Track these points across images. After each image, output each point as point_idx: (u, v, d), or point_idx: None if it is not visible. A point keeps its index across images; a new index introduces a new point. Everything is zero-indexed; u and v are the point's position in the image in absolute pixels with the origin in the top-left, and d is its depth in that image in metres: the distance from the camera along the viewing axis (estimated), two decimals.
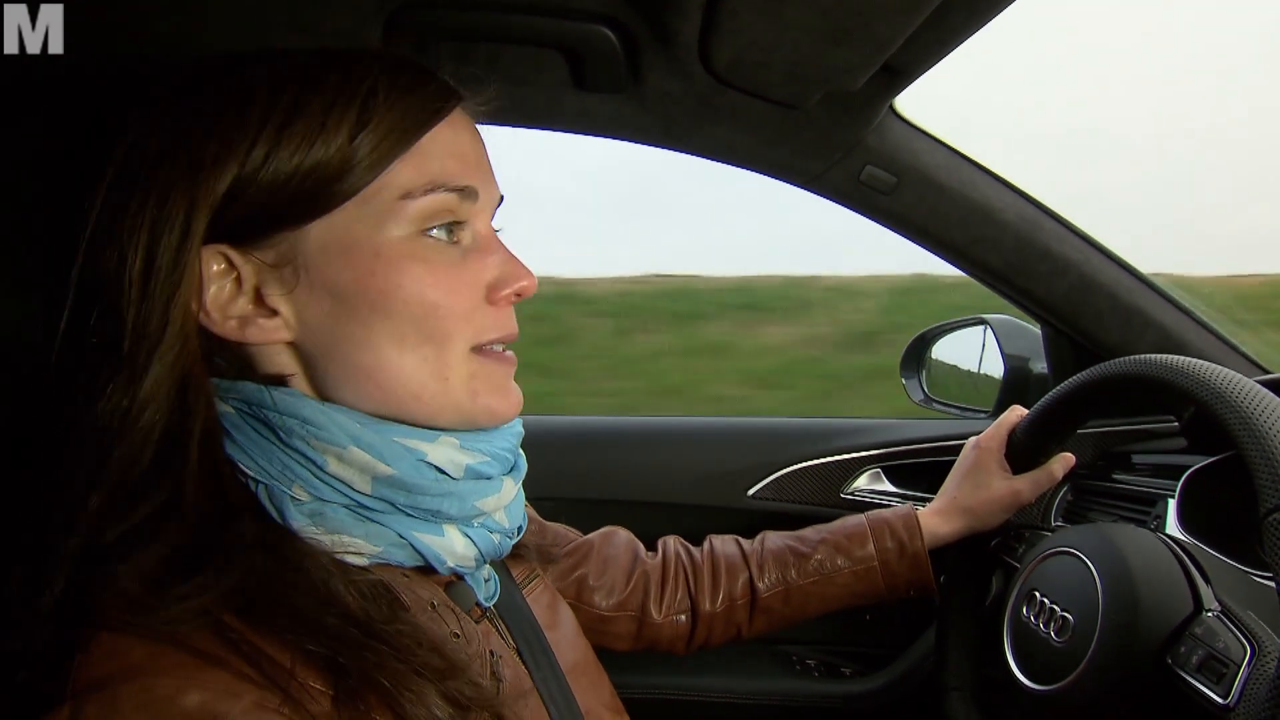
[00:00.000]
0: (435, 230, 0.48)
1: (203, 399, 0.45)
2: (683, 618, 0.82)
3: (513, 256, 0.52)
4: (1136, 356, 0.72)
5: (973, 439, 0.90)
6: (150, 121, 0.46)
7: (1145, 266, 1.05)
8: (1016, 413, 0.89)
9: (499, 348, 0.52)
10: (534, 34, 0.75)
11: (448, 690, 0.42)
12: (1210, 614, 0.58)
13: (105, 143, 0.47)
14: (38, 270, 0.52)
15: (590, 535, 0.85)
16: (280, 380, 0.48)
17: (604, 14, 0.72)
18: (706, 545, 0.87)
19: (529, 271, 0.52)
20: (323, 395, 0.49)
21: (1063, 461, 0.86)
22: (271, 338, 0.47)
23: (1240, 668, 0.53)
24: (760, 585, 0.83)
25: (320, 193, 0.46)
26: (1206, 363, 0.63)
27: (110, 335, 0.44)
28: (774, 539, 0.86)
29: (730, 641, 0.85)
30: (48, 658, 0.38)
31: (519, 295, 0.52)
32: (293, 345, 0.48)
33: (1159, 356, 0.68)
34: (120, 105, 0.49)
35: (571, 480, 1.21)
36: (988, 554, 0.82)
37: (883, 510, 0.87)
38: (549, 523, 0.82)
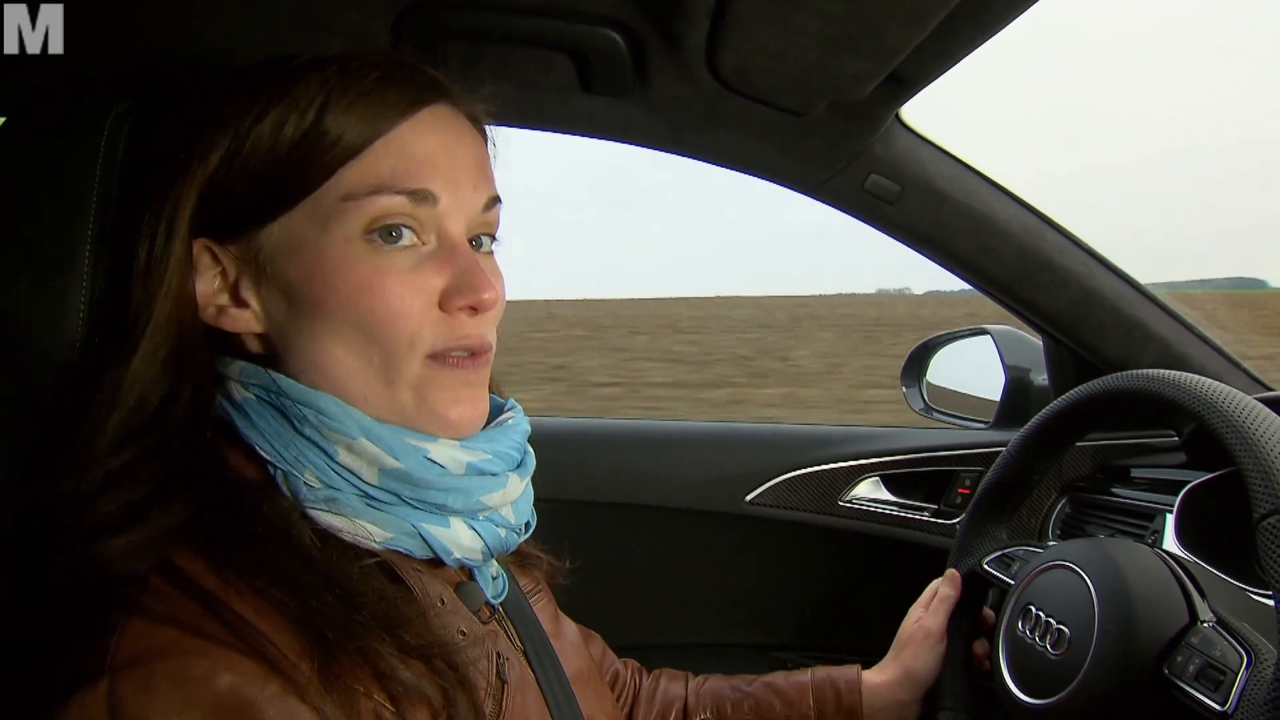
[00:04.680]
0: (377, 234, 0.48)
1: (191, 376, 0.48)
2: None
3: (474, 267, 0.50)
4: (1124, 373, 0.72)
5: (919, 615, 0.83)
6: (163, 128, 0.51)
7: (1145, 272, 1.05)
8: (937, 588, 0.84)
9: (462, 354, 0.51)
10: (542, 36, 0.75)
11: (401, 642, 0.44)
12: (1206, 624, 0.58)
13: (127, 132, 0.53)
14: (79, 266, 0.54)
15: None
16: (251, 356, 0.52)
17: (612, 18, 0.73)
18: (654, 677, 0.84)
19: (489, 284, 0.50)
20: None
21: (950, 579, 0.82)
22: (242, 328, 0.51)
23: (1238, 675, 0.54)
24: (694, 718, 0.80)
25: (275, 191, 0.48)
26: (1196, 375, 0.64)
27: (118, 317, 0.49)
28: (718, 679, 0.83)
29: None
30: (79, 630, 0.40)
31: (474, 309, 0.50)
32: (265, 336, 0.51)
33: (1148, 371, 0.69)
34: (162, 111, 0.53)
35: (569, 483, 1.21)
36: (980, 576, 0.81)
37: (830, 668, 0.82)
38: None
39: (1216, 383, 0.62)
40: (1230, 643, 0.56)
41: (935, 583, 0.85)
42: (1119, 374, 0.73)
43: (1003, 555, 0.80)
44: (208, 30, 0.71)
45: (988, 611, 0.81)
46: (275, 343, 0.51)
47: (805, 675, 0.80)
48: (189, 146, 0.49)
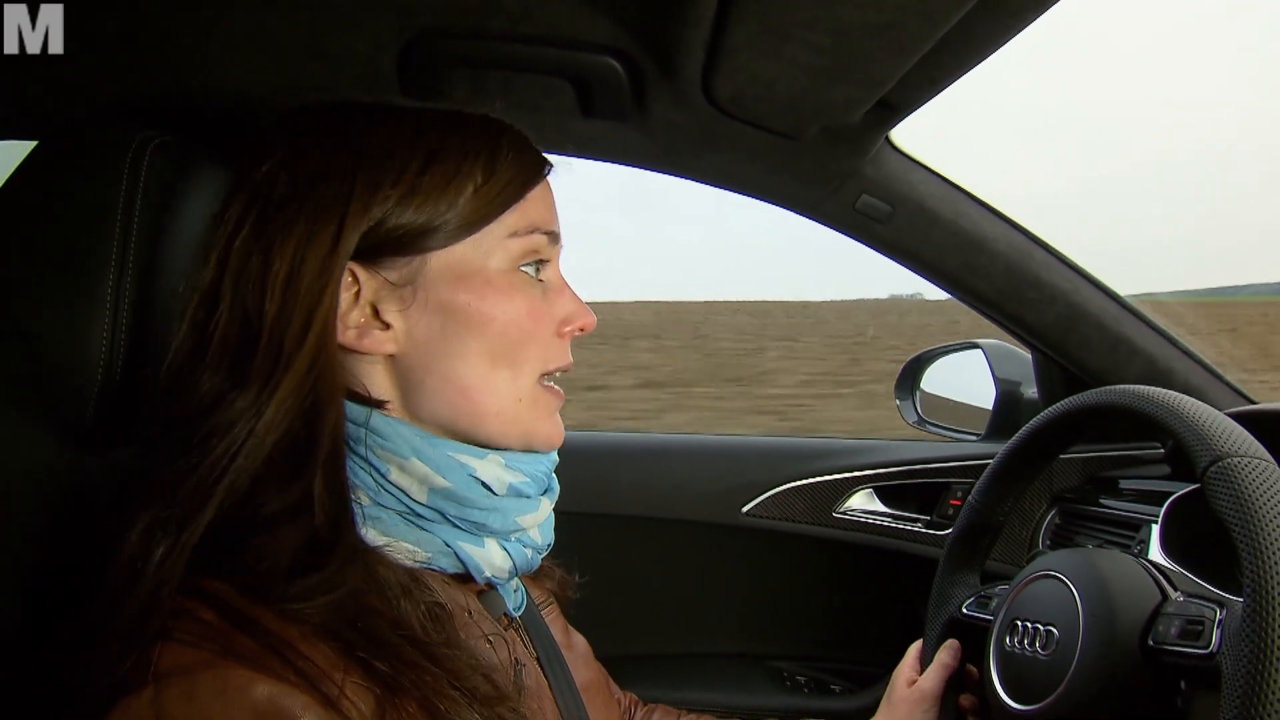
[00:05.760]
0: (527, 266, 0.56)
1: (334, 404, 0.49)
2: None
3: (578, 297, 0.59)
4: (1060, 405, 0.76)
5: (910, 675, 0.84)
6: (298, 147, 0.52)
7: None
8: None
9: (553, 382, 0.58)
10: (544, 64, 0.77)
11: (492, 716, 0.45)
12: (1178, 597, 0.63)
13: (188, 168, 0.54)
14: (60, 275, 0.55)
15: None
16: (369, 400, 0.52)
17: (612, 47, 0.75)
18: (648, 711, 0.84)
19: (591, 313, 0.59)
20: (408, 407, 0.53)
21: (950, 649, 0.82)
22: (380, 348, 0.53)
23: (1214, 623, 0.58)
24: None
25: (448, 228, 0.52)
26: (1132, 385, 0.69)
27: (238, 335, 0.49)
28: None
29: None
30: (138, 637, 0.41)
31: (581, 330, 0.59)
32: (391, 359, 0.53)
33: (1088, 395, 0.74)
34: (170, 123, 0.53)
35: (567, 494, 1.22)
36: (960, 622, 0.83)
37: None
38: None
39: (1146, 386, 0.68)
40: (1202, 603, 0.61)
41: (916, 644, 0.86)
42: (1058, 406, 0.77)
43: (979, 597, 0.82)
44: (216, 57, 0.73)
45: (970, 668, 0.82)
46: (408, 364, 0.53)
47: None
48: (350, 179, 0.50)
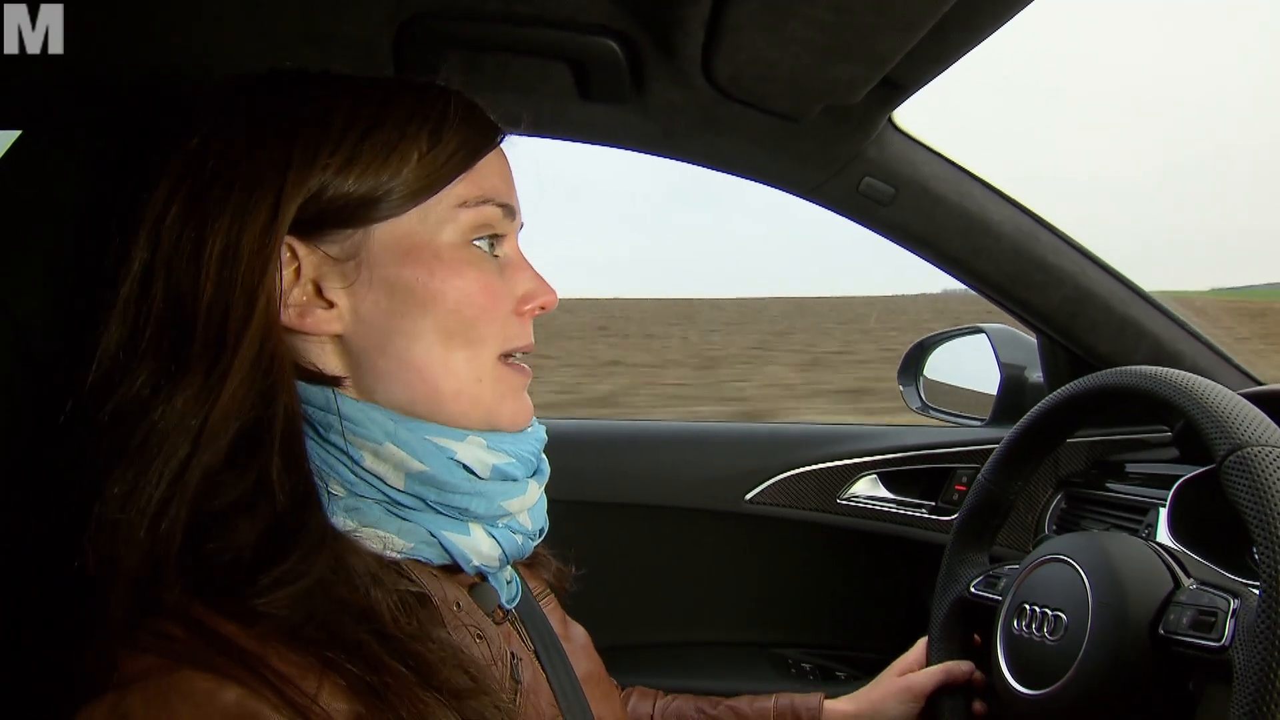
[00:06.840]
0: (480, 241, 0.53)
1: (285, 384, 0.47)
2: None
3: (539, 275, 0.56)
4: (1071, 385, 0.76)
5: (907, 673, 0.84)
6: (229, 119, 0.50)
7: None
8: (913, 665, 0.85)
9: (518, 358, 0.56)
10: (541, 45, 0.76)
11: (468, 711, 0.43)
12: (1191, 585, 0.62)
13: (140, 142, 0.50)
14: (50, 262, 0.54)
15: None
16: (322, 377, 0.50)
17: (609, 27, 0.74)
18: (625, 695, 0.84)
19: (553, 289, 0.57)
20: (362, 389, 0.51)
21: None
22: (325, 328, 0.50)
23: (1228, 615, 0.57)
24: None
25: (391, 198, 0.49)
26: (1146, 366, 0.68)
27: (173, 320, 0.46)
28: (684, 700, 0.84)
29: None
30: (101, 641, 0.39)
31: (542, 309, 0.56)
32: (339, 339, 0.51)
33: (1101, 375, 0.73)
34: (161, 107, 0.51)
35: (570, 483, 1.22)
36: (969, 601, 0.82)
37: (794, 695, 0.84)
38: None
39: (1161, 367, 0.67)
40: (1215, 593, 0.60)
41: (921, 641, 0.86)
42: (1072, 385, 0.76)
43: (987, 577, 0.81)
44: (212, 40, 0.72)
45: (976, 637, 0.82)
46: (357, 344, 0.50)
47: (769, 701, 0.82)
48: (287, 147, 0.48)
